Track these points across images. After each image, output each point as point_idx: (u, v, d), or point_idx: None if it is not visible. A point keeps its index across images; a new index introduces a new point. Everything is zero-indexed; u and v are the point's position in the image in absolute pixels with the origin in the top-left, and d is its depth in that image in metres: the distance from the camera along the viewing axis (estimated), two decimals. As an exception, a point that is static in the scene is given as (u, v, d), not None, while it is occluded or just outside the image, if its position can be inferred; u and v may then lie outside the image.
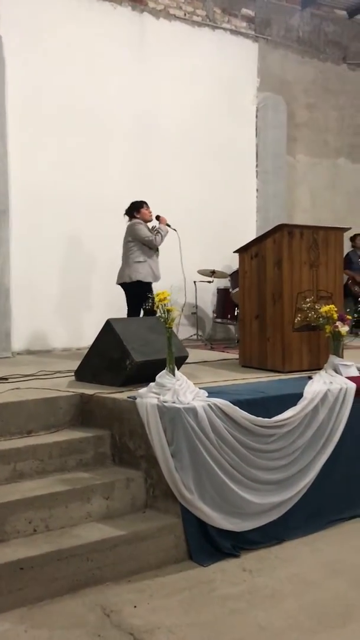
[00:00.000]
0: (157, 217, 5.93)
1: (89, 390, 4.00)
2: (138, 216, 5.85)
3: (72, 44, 6.57)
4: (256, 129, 7.99)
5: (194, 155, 7.37)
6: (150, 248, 5.75)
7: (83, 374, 4.39)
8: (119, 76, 6.88)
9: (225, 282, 7.39)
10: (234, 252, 5.14)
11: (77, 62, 6.61)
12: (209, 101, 7.49)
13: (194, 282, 7.20)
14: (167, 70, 7.20)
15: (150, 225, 5.92)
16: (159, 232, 5.79)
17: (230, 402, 3.53)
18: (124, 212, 5.91)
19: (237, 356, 5.34)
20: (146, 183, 6.94)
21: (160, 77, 7.16)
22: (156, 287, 4.15)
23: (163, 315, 3.64)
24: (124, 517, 3.35)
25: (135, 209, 5.87)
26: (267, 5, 8.07)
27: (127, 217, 5.90)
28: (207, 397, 3.57)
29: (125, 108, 6.91)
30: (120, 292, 5.93)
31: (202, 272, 7.14)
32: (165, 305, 3.65)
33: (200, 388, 3.68)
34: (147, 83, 7.08)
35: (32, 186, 6.30)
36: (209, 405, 3.46)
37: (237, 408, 3.53)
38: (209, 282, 7.27)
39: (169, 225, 5.90)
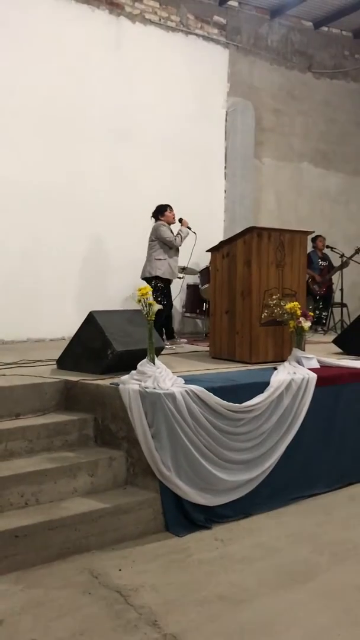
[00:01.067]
0: (180, 220, 6.48)
1: (73, 377, 4.28)
2: (162, 218, 6.38)
3: (50, 44, 6.78)
4: (225, 132, 8.36)
5: (165, 155, 7.68)
6: (170, 248, 6.29)
7: (65, 362, 4.66)
8: (94, 77, 7.13)
9: (194, 279, 7.74)
10: (207, 251, 5.48)
11: (54, 62, 6.82)
12: (181, 104, 7.82)
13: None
14: (142, 73, 7.48)
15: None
16: (179, 233, 6.36)
17: (205, 388, 3.88)
18: (151, 214, 6.43)
19: (206, 348, 5.70)
20: (119, 181, 7.24)
21: (135, 79, 7.44)
22: (139, 283, 4.43)
23: (145, 309, 3.95)
24: (107, 493, 3.66)
25: (160, 212, 6.41)
26: (238, 13, 8.43)
27: (153, 219, 6.44)
28: (184, 384, 3.91)
29: (100, 109, 7.17)
30: (94, 286, 6.23)
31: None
32: (147, 299, 3.96)
33: (178, 376, 4.02)
34: (122, 85, 7.35)
35: (6, 184, 6.49)
36: (186, 391, 3.79)
37: (211, 394, 3.88)
38: (179, 278, 7.58)
39: (189, 228, 6.46)
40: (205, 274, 7.07)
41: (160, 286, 6.23)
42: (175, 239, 6.28)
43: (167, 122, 7.67)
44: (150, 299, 3.97)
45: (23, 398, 4.01)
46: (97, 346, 4.43)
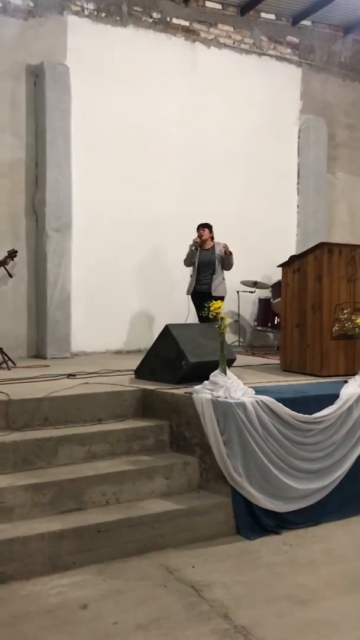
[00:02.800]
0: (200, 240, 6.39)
1: (149, 386, 4.55)
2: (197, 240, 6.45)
3: (131, 72, 7.20)
4: (298, 149, 8.49)
5: (239, 173, 7.90)
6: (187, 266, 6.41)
7: (142, 372, 4.95)
8: (172, 101, 7.47)
9: (266, 293, 7.88)
10: (278, 266, 5.65)
11: (134, 89, 7.22)
12: (254, 123, 8.03)
13: (237, 292, 7.71)
14: (216, 95, 7.76)
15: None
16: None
17: (275, 399, 4.05)
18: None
19: (277, 361, 5.84)
20: (195, 200, 7.51)
21: (210, 101, 7.72)
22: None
23: (217, 322, 4.18)
24: (182, 495, 3.88)
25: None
26: (311, 32, 8.58)
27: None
28: (255, 394, 4.09)
29: (177, 131, 7.49)
30: (167, 300, 6.55)
31: (245, 283, 7.65)
32: (219, 314, 4.19)
33: (249, 387, 4.20)
34: (197, 107, 7.65)
35: (91, 203, 6.91)
36: (256, 401, 3.98)
37: (281, 405, 4.04)
38: (251, 292, 7.78)
39: (193, 246, 6.33)
40: (276, 288, 7.21)
41: (194, 303, 6.33)
42: (184, 260, 6.36)
43: (242, 142, 7.88)
44: (223, 313, 4.19)
45: (105, 405, 4.32)
46: (172, 357, 4.69)
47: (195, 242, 6.32)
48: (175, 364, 4.66)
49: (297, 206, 8.56)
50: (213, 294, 6.29)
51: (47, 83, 6.61)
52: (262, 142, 8.09)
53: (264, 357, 6.79)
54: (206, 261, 6.39)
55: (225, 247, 6.38)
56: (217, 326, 4.19)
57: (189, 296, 6.45)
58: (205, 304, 4.20)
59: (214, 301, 4.27)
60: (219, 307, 4.13)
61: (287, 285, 5.52)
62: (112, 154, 7.08)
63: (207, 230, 6.44)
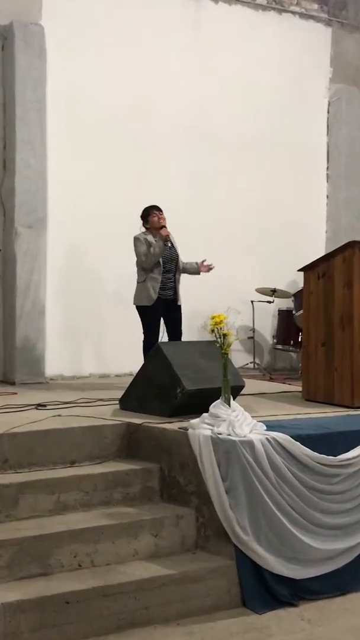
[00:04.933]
0: (160, 228, 6.03)
1: (136, 419, 4.52)
2: (147, 225, 6.16)
3: (119, 33, 7.23)
4: (327, 126, 8.50)
5: (255, 157, 7.91)
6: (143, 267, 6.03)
7: (128, 402, 4.92)
8: (171, 68, 7.50)
9: (288, 303, 7.86)
10: (299, 270, 5.62)
11: (125, 54, 7.25)
12: (272, 94, 8.03)
13: (252, 301, 7.69)
14: (225, 61, 7.78)
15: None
16: (149, 250, 5.96)
17: (291, 436, 3.99)
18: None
19: (300, 388, 5.76)
20: (198, 187, 7.53)
21: (217, 68, 7.75)
22: (213, 309, 4.60)
23: (219, 340, 4.13)
24: (173, 557, 3.83)
25: (144, 218, 6.18)
26: (343, -17, 8.61)
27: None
28: (266, 430, 4.04)
29: (177, 103, 7.51)
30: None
31: (261, 291, 7.63)
32: (221, 329, 4.14)
33: (258, 421, 4.15)
34: (202, 76, 7.66)
35: (72, 192, 6.94)
36: (267, 439, 3.92)
37: (298, 443, 3.98)
38: (269, 302, 7.75)
39: (166, 242, 5.99)
40: (300, 297, 7.16)
41: (141, 315, 6.01)
42: (143, 257, 5.93)
43: (257, 117, 7.90)
44: (226, 329, 4.15)
45: (80, 442, 4.28)
46: (164, 384, 4.66)
47: (165, 235, 5.95)
48: (168, 392, 4.63)
49: (327, 196, 8.55)
50: (178, 303, 6.11)
51: (17, 46, 6.66)
52: (283, 119, 8.09)
53: (284, 383, 6.75)
54: (170, 258, 6.09)
55: (206, 266, 6.18)
56: (219, 345, 4.15)
57: (146, 308, 6.00)
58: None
59: (215, 314, 4.22)
60: (221, 322, 4.09)
61: (310, 294, 5.49)
62: (98, 132, 7.11)
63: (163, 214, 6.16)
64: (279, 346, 7.80)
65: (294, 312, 7.52)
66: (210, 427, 3.99)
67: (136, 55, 7.34)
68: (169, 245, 6.02)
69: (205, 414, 4.10)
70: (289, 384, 6.62)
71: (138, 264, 6.07)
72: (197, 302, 6.54)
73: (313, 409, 5.02)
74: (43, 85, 6.77)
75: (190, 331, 6.29)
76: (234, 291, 7.18)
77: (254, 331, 7.83)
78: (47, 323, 6.76)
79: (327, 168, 8.54)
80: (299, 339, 7.39)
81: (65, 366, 6.98)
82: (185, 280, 6.37)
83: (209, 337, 4.25)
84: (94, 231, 7.04)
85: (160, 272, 6.01)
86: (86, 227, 7.01)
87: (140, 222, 6.20)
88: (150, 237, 6.04)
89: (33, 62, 6.71)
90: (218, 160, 7.69)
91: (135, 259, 6.08)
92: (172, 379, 4.64)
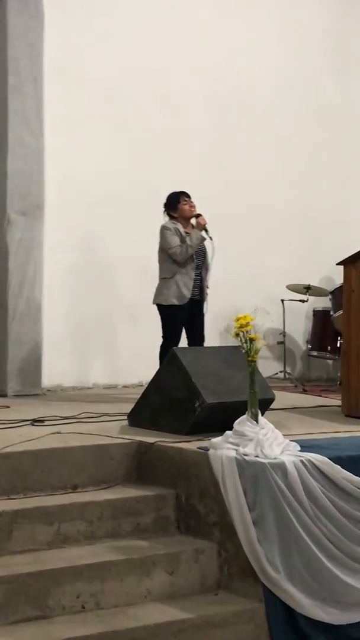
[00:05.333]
0: (196, 217, 6.24)
1: (148, 437, 4.51)
2: (175, 214, 6.28)
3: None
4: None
5: (286, 132, 7.92)
6: (174, 262, 6.15)
7: (139, 417, 4.92)
8: (186, 28, 7.51)
9: (324, 302, 7.85)
10: (338, 264, 5.60)
11: (133, 14, 7.28)
12: (308, 50, 7.99)
13: (282, 300, 7.68)
14: (250, 15, 7.76)
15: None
16: (185, 241, 6.11)
17: (329, 458, 3.97)
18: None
19: (339, 402, 5.75)
20: (219, 165, 7.52)
21: (240, 24, 7.74)
22: (237, 309, 4.59)
23: (244, 345, 4.12)
24: (192, 598, 3.80)
25: (171, 205, 6.29)
26: None
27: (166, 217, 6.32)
28: (300, 451, 4.02)
29: (194, 71, 7.54)
30: None
31: (293, 288, 7.61)
32: (247, 332, 4.13)
33: (291, 440, 4.14)
34: (222, 35, 7.65)
35: (73, 173, 6.96)
36: (301, 461, 3.90)
37: (337, 467, 3.96)
38: (303, 301, 7.72)
39: (206, 231, 6.17)
40: (339, 295, 7.14)
41: (165, 316, 6.12)
42: (176, 250, 6.07)
43: (290, 79, 7.90)
44: (253, 332, 4.13)
45: (82, 464, 4.27)
46: (181, 396, 4.66)
47: (204, 223, 6.13)
48: (186, 406, 4.63)
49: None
50: (204, 305, 6.22)
51: (10, 6, 6.68)
52: (322, 80, 8.07)
53: (320, 396, 6.74)
54: (200, 252, 6.26)
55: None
56: (244, 351, 4.14)
57: (173, 308, 6.10)
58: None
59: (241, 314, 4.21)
60: (247, 325, 4.07)
61: (351, 292, 5.48)
62: (103, 105, 7.14)
63: None
64: (314, 352, 7.78)
65: (331, 312, 7.49)
66: (235, 447, 3.98)
67: (146, 17, 7.34)
68: (206, 234, 6.13)
69: (228, 432, 4.09)
70: (326, 397, 6.61)
71: (162, 258, 6.17)
72: (219, 301, 6.56)
73: (355, 426, 4.99)
74: (39, 51, 6.79)
75: (211, 335, 6.32)
76: (261, 288, 7.19)
77: (284, 335, 7.82)
78: (45, 326, 6.79)
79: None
80: (338, 345, 7.38)
81: (66, 375, 7.00)
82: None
83: (233, 342, 4.25)
84: (99, 219, 7.07)
85: (194, 267, 6.14)
86: (90, 214, 7.04)
87: (159, 209, 6.25)
88: (180, 227, 6.15)
89: (28, 24, 6.74)
90: (242, 134, 7.71)
91: (155, 251, 6.17)
92: (189, 391, 4.62)
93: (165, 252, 6.15)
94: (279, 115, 7.85)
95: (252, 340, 4.12)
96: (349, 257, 5.49)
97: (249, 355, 4.13)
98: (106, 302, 7.16)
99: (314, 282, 7.75)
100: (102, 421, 5.11)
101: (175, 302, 6.08)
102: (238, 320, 4.15)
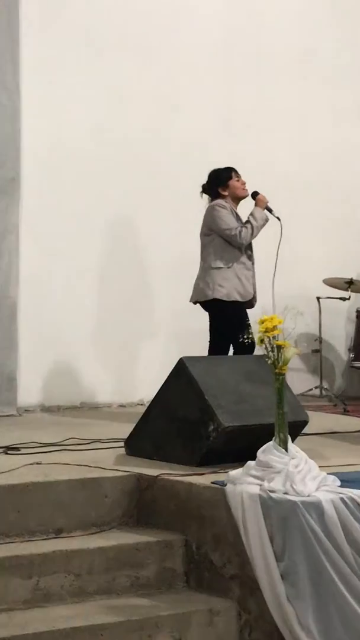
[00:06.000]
0: (254, 195, 6.47)
1: (150, 469, 4.52)
2: (225, 192, 6.42)
3: None
4: None
5: (314, 83, 8.02)
6: (235, 247, 6.30)
7: (139, 444, 4.93)
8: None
9: (371, 300, 7.86)
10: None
11: None
12: None
13: (318, 298, 7.68)
14: None
15: None
16: (249, 221, 6.33)
17: (377, 495, 3.97)
18: (201, 188, 6.47)
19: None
20: (238, 127, 7.56)
21: None
22: (263, 309, 4.60)
23: (271, 354, 4.12)
24: (205, 671, 3.83)
25: (220, 183, 6.43)
26: None
27: (207, 197, 6.48)
28: (340, 486, 4.02)
29: (205, 17, 7.59)
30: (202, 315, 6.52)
31: (332, 283, 7.61)
32: (274, 338, 4.13)
33: (328, 473, 4.13)
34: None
35: (56, 141, 6.99)
36: (341, 498, 3.90)
37: (387, 506, 3.96)
38: (343, 299, 7.72)
39: (269, 211, 6.41)
40: (389, 291, 7.19)
41: (227, 316, 6.22)
42: (240, 231, 6.27)
43: (317, 31, 7.96)
44: (282, 338, 4.13)
45: (68, 503, 4.28)
46: (191, 418, 4.66)
47: (266, 200, 6.42)
48: (197, 431, 4.64)
49: None
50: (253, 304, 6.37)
51: None
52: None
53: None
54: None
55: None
56: (271, 362, 4.14)
57: (235, 305, 6.28)
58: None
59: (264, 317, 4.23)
60: (274, 328, 4.07)
61: None
62: (92, 58, 7.18)
63: None
64: (358, 363, 7.76)
65: (380, 314, 7.51)
66: (259, 482, 3.99)
67: None
68: (274, 216, 6.40)
69: (251, 463, 4.10)
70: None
71: (212, 243, 6.32)
72: None
73: None
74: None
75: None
76: (292, 283, 7.14)
77: (321, 342, 7.84)
78: (20, 331, 6.83)
79: None
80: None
81: (47, 392, 7.04)
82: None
83: (257, 350, 4.25)
84: (89, 198, 7.12)
85: (250, 256, 6.34)
86: (78, 191, 7.09)
87: (170, 182, 6.56)
88: (233, 207, 6.38)
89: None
90: (268, 90, 7.77)
91: (183, 236, 6.52)
92: (202, 411, 4.63)
93: (215, 236, 6.30)
94: (312, 69, 7.91)
95: (280, 347, 4.12)
96: None
97: (277, 366, 4.13)
98: (98, 301, 7.18)
99: (358, 276, 7.74)
100: (93, 449, 5.12)
101: (238, 298, 6.24)
102: (263, 322, 4.15)
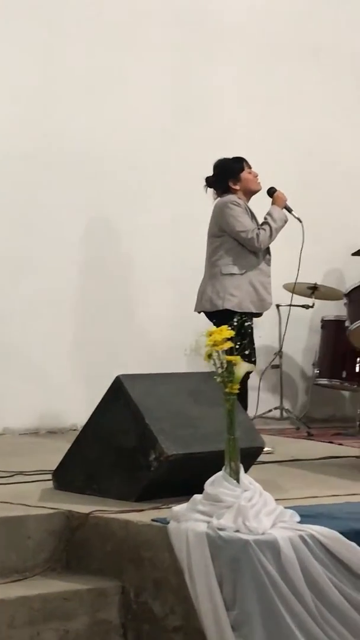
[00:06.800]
0: (271, 192, 6.53)
1: (81, 505, 4.49)
2: (237, 187, 6.45)
3: None
4: None
5: (275, 59, 8.16)
6: (250, 251, 6.35)
7: (69, 476, 4.90)
8: None
9: (337, 308, 7.91)
10: (355, 254, 5.63)
11: None
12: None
13: (277, 306, 7.70)
14: None
15: None
16: (266, 221, 6.38)
17: (342, 532, 3.96)
18: (205, 181, 6.52)
19: (357, 452, 5.86)
20: (193, 110, 7.62)
21: None
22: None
23: (220, 371, 4.09)
24: None
25: (230, 175, 6.47)
26: None
27: (213, 193, 6.54)
28: (299, 522, 4.01)
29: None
30: (127, 329, 6.53)
31: (293, 288, 7.61)
32: (223, 352, 4.11)
33: (286, 507, 4.12)
34: None
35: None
36: (301, 536, 3.89)
37: (352, 544, 3.95)
38: (307, 307, 7.75)
39: (289, 210, 6.49)
40: (358, 298, 7.19)
41: (237, 325, 6.12)
42: (257, 234, 6.33)
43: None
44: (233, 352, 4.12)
45: (-16, 546, 4.24)
46: (129, 446, 4.64)
47: (285, 198, 6.50)
48: (136, 460, 4.63)
49: None
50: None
51: None
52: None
53: (331, 443, 6.80)
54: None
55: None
56: (220, 380, 4.12)
57: (251, 317, 6.38)
58: None
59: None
60: (222, 342, 4.05)
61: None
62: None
63: None
64: (324, 380, 7.81)
65: (347, 323, 7.50)
66: (207, 519, 3.96)
67: None
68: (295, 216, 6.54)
69: (197, 497, 4.07)
70: (340, 444, 6.63)
71: (223, 245, 6.36)
72: (183, 306, 6.64)
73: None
74: None
75: (174, 357, 6.29)
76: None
77: (281, 356, 7.86)
78: None
79: None
80: (357, 369, 7.40)
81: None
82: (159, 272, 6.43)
83: (205, 365, 4.22)
84: (29, 183, 7.16)
85: (268, 261, 6.41)
86: (36, 169, 7.19)
87: (144, 171, 6.82)
88: (247, 204, 6.41)
89: None
90: (215, 64, 7.87)
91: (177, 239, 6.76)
92: (142, 438, 4.61)
93: (226, 238, 6.32)
94: (265, 43, 7.96)
95: (231, 363, 4.11)
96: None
97: (227, 385, 4.12)
98: (27, 307, 7.20)
99: (322, 281, 7.78)
100: (15, 482, 5.08)
101: (252, 308, 6.28)
102: (211, 335, 4.14)
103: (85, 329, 7.41)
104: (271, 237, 6.31)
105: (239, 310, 6.24)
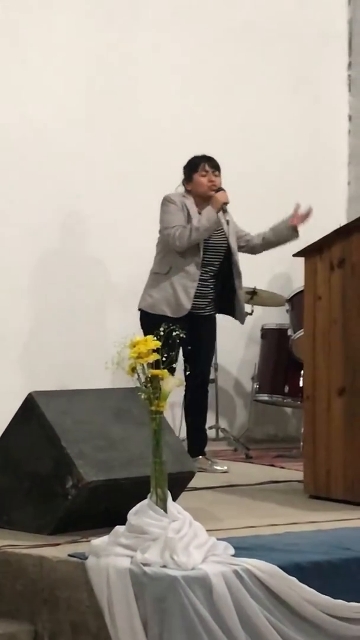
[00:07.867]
0: (216, 191, 6.63)
1: (-10, 539, 4.49)
2: (189, 187, 6.72)
3: None
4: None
5: (224, 44, 8.16)
6: (178, 251, 6.51)
7: (-25, 505, 4.90)
8: None
9: (279, 315, 8.01)
10: (295, 255, 5.74)
11: None
12: None
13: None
14: None
15: None
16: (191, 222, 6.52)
17: (281, 566, 4.01)
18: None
19: (300, 475, 5.86)
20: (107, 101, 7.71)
21: None
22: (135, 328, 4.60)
23: (145, 387, 4.14)
24: None
25: (185, 174, 6.75)
26: None
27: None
28: (233, 555, 4.05)
29: None
30: (56, 334, 6.73)
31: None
32: (149, 366, 4.15)
33: (219, 539, 4.16)
34: None
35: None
36: (235, 571, 3.93)
37: (293, 579, 4.00)
38: (246, 314, 7.79)
39: (224, 210, 6.53)
40: (301, 305, 7.26)
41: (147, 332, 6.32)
42: (176, 231, 6.50)
43: None
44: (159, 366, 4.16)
45: None
46: (43, 472, 4.65)
47: (223, 202, 6.52)
48: (52, 488, 4.63)
49: (349, 117, 8.71)
50: (213, 323, 6.74)
51: None
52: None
53: (272, 465, 6.89)
54: (216, 245, 6.67)
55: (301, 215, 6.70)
56: (145, 397, 4.16)
57: (163, 320, 6.29)
58: None
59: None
60: (147, 353, 4.09)
61: (316, 299, 5.63)
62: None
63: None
64: (264, 396, 7.85)
65: (289, 332, 7.59)
66: (130, 553, 3.99)
67: None
68: (226, 220, 6.52)
69: (119, 528, 4.10)
70: (281, 467, 6.72)
71: (159, 244, 6.61)
72: (104, 313, 6.78)
73: (322, 513, 5.10)
74: None
75: (92, 371, 6.33)
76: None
77: (216, 369, 7.87)
78: None
79: (350, 66, 8.71)
80: (300, 383, 7.47)
81: None
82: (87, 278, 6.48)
83: (129, 381, 4.25)
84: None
85: (200, 265, 6.48)
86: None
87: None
88: (190, 203, 6.55)
89: None
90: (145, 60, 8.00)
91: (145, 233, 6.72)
92: (58, 463, 4.62)
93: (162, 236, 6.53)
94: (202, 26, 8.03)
95: (157, 378, 4.15)
96: (312, 245, 5.61)
97: (153, 402, 4.15)
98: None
99: (263, 285, 7.84)
100: None
101: (167, 312, 6.38)
102: (135, 345, 4.17)
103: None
104: (191, 236, 6.41)
105: (150, 312, 6.45)
